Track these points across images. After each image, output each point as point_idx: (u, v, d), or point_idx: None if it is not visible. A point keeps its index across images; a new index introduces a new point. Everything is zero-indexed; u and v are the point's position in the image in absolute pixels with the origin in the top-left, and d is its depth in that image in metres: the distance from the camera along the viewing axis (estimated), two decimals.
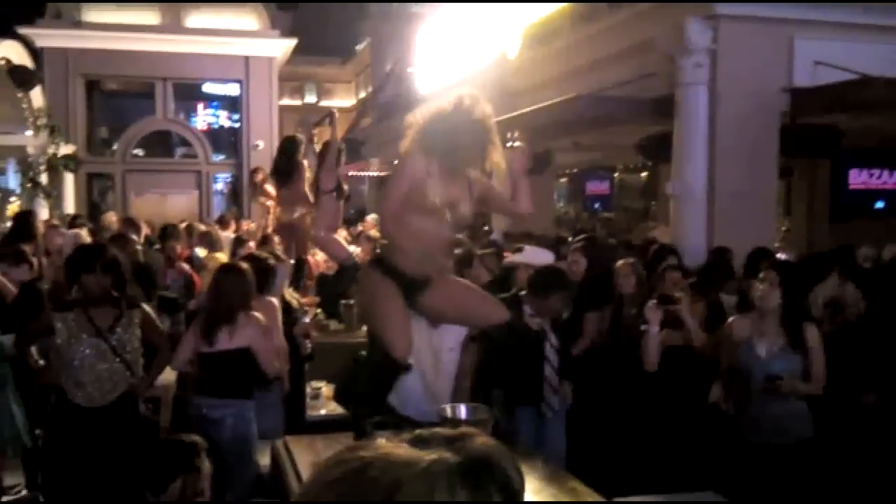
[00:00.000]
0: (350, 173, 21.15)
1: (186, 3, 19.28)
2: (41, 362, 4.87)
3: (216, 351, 4.63)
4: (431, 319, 3.86)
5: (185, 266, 7.92)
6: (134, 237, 7.70)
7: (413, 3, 21.74)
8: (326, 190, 7.77)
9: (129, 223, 8.95)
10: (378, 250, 3.82)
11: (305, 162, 8.48)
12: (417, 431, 0.97)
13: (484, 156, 3.49)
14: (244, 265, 4.93)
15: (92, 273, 4.18)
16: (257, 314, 4.77)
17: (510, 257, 6.10)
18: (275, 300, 5.39)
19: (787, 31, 9.07)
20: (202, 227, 9.58)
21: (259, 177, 10.54)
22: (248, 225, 12.94)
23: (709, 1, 8.66)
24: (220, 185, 21.01)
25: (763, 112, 8.99)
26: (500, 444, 0.98)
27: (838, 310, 5.35)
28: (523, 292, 4.93)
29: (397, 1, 24.91)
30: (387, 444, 0.94)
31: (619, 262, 5.58)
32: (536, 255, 5.67)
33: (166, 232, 8.35)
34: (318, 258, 8.58)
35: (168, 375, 6.34)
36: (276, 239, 7.87)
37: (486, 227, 12.65)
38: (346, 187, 8.20)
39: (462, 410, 3.45)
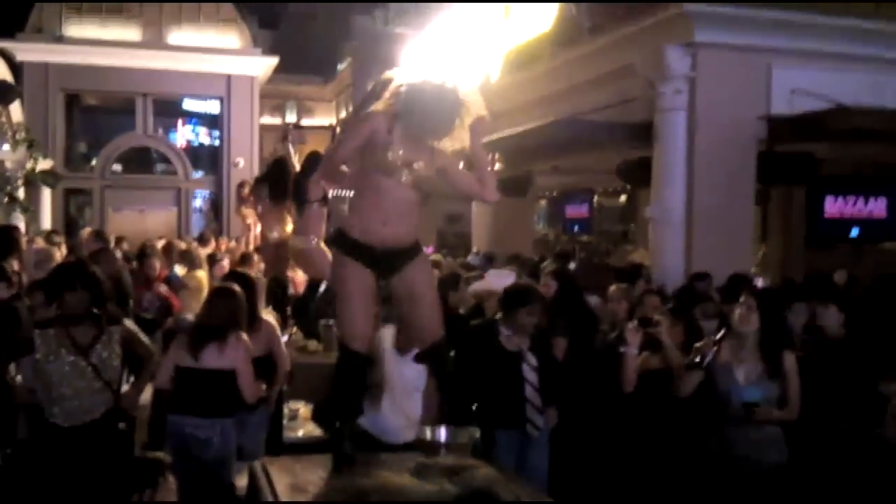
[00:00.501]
0: (330, 193, 21.16)
1: (169, 1, 19.25)
2: (18, 378, 4.80)
3: (201, 368, 4.60)
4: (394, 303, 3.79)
5: (163, 289, 7.85)
6: (116, 253, 7.63)
7: (396, 25, 21.88)
8: (314, 199, 7.76)
9: (98, 236, 8.81)
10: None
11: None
12: (419, 461, 0.98)
13: (450, 129, 3.46)
14: (236, 287, 4.90)
15: (73, 291, 4.15)
16: (246, 338, 4.76)
17: (473, 286, 6.11)
18: (272, 319, 5.40)
19: (764, 60, 9.20)
20: (182, 245, 9.52)
21: (245, 191, 10.52)
22: (227, 244, 12.88)
23: None
24: (199, 203, 20.93)
25: (741, 139, 9.11)
26: (502, 477, 0.98)
27: (816, 334, 5.41)
28: (498, 315, 4.93)
29: (382, 1, 25.00)
30: (387, 473, 0.94)
31: (612, 287, 5.62)
32: (499, 280, 5.67)
33: (144, 251, 8.27)
34: (298, 277, 8.54)
35: (144, 394, 6.31)
36: (257, 257, 7.84)
37: (476, 250, 12.67)
38: (329, 195, 8.22)
39: (442, 433, 3.44)
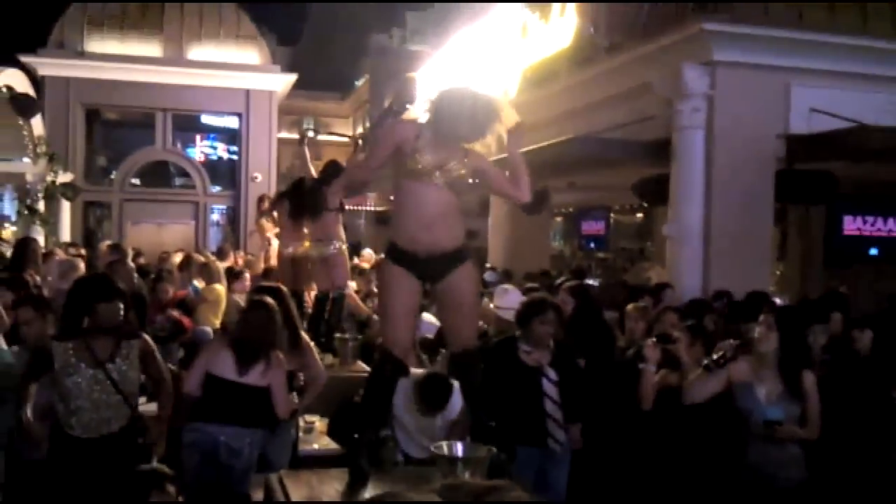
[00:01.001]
0: (346, 207, 21.25)
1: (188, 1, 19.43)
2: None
3: (243, 383, 4.65)
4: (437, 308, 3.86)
5: (175, 313, 7.87)
6: (130, 264, 7.68)
7: (413, 42, 21.99)
8: (332, 208, 7.81)
9: (115, 249, 8.85)
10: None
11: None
12: (447, 481, 0.97)
13: (481, 133, 3.50)
14: (271, 301, 4.94)
15: (108, 302, 4.16)
16: (281, 355, 4.82)
17: (488, 301, 6.12)
18: (307, 337, 5.46)
19: (783, 79, 9.20)
20: (201, 259, 9.57)
21: (265, 205, 10.58)
22: (244, 258, 12.93)
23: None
24: (216, 217, 21.03)
25: (759, 157, 9.08)
26: (531, 500, 0.97)
27: (840, 352, 5.36)
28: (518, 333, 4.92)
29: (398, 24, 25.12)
30: (415, 495, 0.94)
31: (630, 306, 5.60)
32: (513, 297, 5.67)
33: (159, 275, 8.29)
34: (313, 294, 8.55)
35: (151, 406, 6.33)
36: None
37: (489, 265, 12.65)
38: (345, 205, 8.30)
39: (458, 448, 3.43)
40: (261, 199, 11.25)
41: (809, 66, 9.21)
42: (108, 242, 11.67)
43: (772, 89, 9.19)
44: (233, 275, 8.73)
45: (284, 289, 5.58)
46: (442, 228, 3.49)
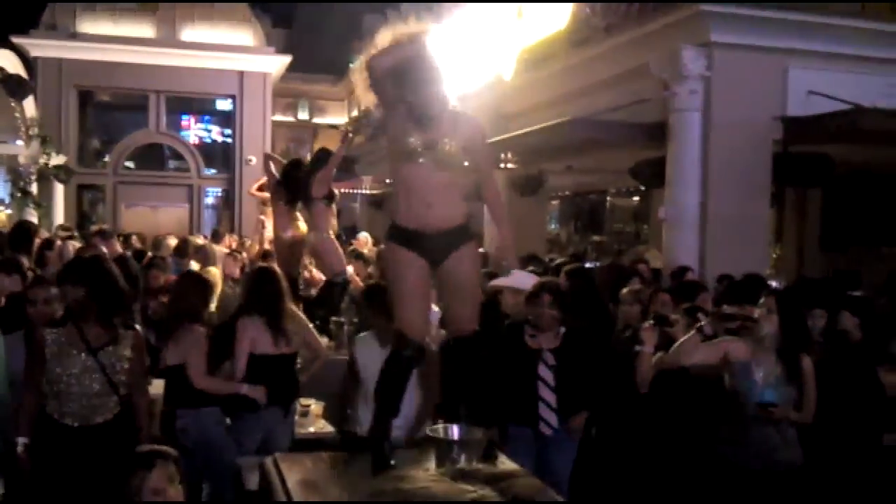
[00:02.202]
0: (342, 190, 21.18)
1: (182, 2, 19.30)
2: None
3: (280, 353, 4.89)
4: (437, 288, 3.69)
5: (166, 299, 7.82)
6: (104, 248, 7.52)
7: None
8: (317, 196, 7.79)
9: (102, 234, 8.76)
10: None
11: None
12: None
13: (441, 90, 3.45)
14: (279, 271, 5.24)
15: (73, 286, 4.11)
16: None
17: (495, 281, 6.07)
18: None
19: (781, 61, 9.16)
20: (197, 242, 9.51)
21: (254, 188, 10.52)
22: (238, 241, 12.89)
23: None
24: (210, 200, 20.97)
25: (756, 140, 9.06)
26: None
27: (839, 338, 5.34)
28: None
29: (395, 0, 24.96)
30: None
31: (624, 290, 5.59)
32: (523, 280, 5.61)
33: (152, 261, 8.22)
34: (315, 276, 8.53)
35: (155, 388, 6.30)
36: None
37: (482, 250, 12.60)
38: (336, 193, 8.28)
39: (454, 431, 3.41)
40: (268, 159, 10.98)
41: (807, 48, 9.17)
42: (95, 227, 11.54)
43: (769, 71, 9.15)
44: (233, 259, 8.71)
45: (278, 269, 5.56)
46: (440, 207, 3.41)
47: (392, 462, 3.29)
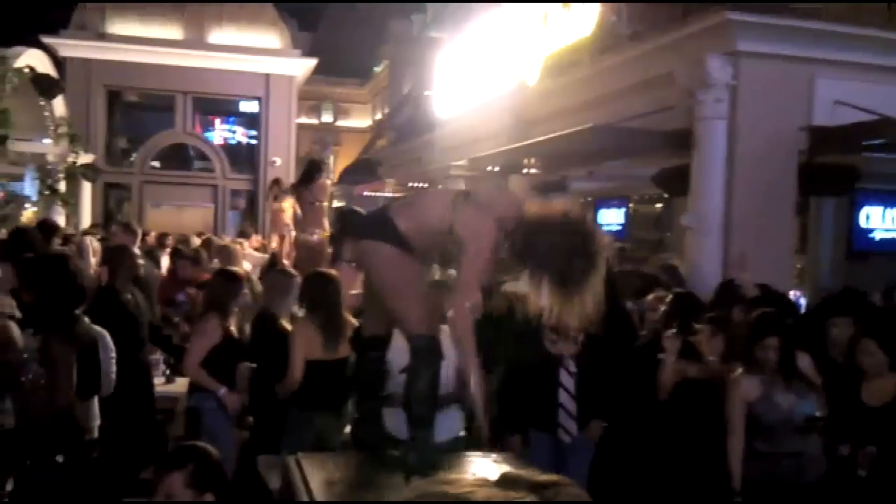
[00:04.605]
0: (365, 193, 21.27)
1: (207, 2, 19.46)
2: None
3: (333, 359, 4.83)
4: None
5: (192, 290, 7.92)
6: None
7: (432, 28, 21.90)
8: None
9: (127, 229, 8.84)
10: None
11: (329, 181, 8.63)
12: (504, 472, 0.96)
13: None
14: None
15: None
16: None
17: (508, 286, 6.06)
18: None
19: (808, 70, 9.10)
20: (220, 241, 9.60)
21: (277, 188, 10.63)
22: (261, 241, 12.99)
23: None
24: (235, 200, 21.14)
25: (781, 149, 9.01)
26: (587, 496, 0.96)
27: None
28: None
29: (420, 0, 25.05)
30: (470, 482, 0.93)
31: (650, 297, 5.59)
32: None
33: (180, 252, 8.31)
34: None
35: (178, 387, 6.39)
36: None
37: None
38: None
39: None
40: (274, 182, 11.26)
41: (834, 58, 9.10)
42: (116, 224, 11.65)
43: (796, 81, 9.09)
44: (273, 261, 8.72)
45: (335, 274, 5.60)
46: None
47: (431, 467, 3.25)
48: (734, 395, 4.27)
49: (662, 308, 5.33)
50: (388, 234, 3.38)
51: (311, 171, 8.11)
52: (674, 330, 4.71)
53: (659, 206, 15.44)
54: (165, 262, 9.27)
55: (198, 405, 5.09)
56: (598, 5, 11.14)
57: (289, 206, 9.90)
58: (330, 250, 7.73)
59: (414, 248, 3.35)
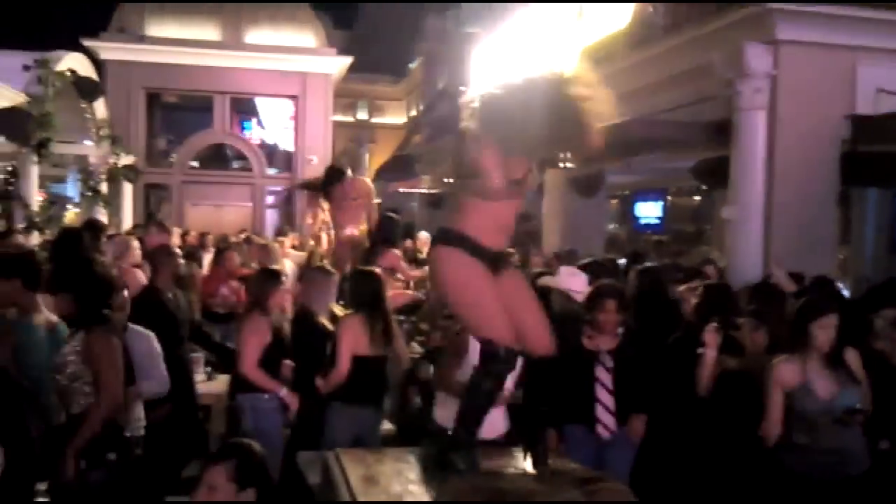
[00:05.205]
0: (400, 189, 21.31)
1: (247, 2, 19.62)
2: None
3: (377, 356, 4.99)
4: None
5: (234, 284, 8.05)
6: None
7: (468, 24, 21.88)
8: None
9: (161, 227, 8.96)
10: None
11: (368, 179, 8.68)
12: (553, 466, 0.96)
13: (550, 142, 3.16)
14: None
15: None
16: None
17: (544, 280, 6.04)
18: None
19: (849, 58, 8.94)
20: (260, 240, 9.71)
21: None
22: (298, 239, 13.07)
23: None
24: (271, 199, 21.32)
25: (823, 139, 8.86)
26: (630, 493, 0.96)
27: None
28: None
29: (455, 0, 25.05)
30: (514, 476, 0.93)
31: (682, 287, 5.54)
32: (572, 279, 5.56)
33: (228, 245, 8.47)
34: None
35: (219, 385, 6.45)
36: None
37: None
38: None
39: None
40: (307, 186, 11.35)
41: (876, 46, 8.93)
42: (151, 223, 11.79)
43: (837, 69, 8.93)
44: (312, 258, 8.81)
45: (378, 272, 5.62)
46: (510, 231, 3.44)
47: (471, 466, 3.18)
48: (772, 379, 4.18)
49: (694, 300, 5.26)
50: (457, 241, 3.30)
51: (330, 179, 8.21)
52: (715, 324, 4.65)
53: (697, 198, 15.29)
54: (206, 261, 9.39)
55: (247, 404, 5.12)
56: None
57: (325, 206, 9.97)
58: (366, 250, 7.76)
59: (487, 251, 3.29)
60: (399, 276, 8.69)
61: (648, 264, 6.84)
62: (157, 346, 4.86)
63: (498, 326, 3.27)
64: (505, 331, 3.26)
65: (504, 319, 3.28)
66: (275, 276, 5.55)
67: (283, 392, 5.11)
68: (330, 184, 8.08)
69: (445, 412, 4.27)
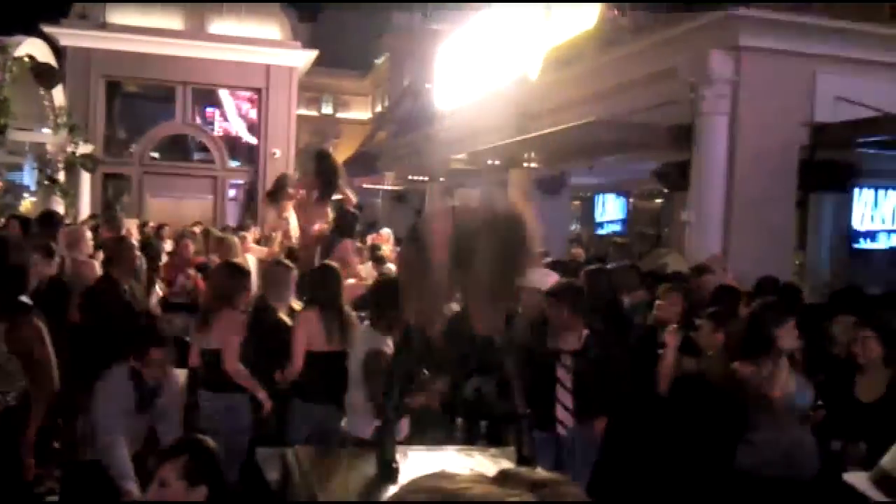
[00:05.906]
0: (364, 185, 21.22)
1: (211, 2, 19.37)
2: None
3: (333, 351, 4.85)
4: None
5: (192, 272, 7.97)
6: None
7: (434, 21, 21.86)
8: None
9: (111, 223, 8.86)
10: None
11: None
12: (502, 470, 0.95)
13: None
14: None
15: None
16: None
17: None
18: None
19: (809, 66, 9.09)
20: (218, 233, 9.59)
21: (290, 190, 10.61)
22: (260, 233, 12.94)
23: None
24: (233, 192, 21.09)
25: (783, 145, 9.00)
26: (585, 497, 0.95)
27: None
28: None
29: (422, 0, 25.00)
30: (467, 478, 0.92)
31: (661, 288, 5.58)
32: (543, 278, 5.57)
33: (183, 233, 8.40)
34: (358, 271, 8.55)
35: (179, 378, 6.37)
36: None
37: None
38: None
39: None
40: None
41: (836, 54, 9.10)
42: (100, 218, 11.56)
43: (797, 77, 9.09)
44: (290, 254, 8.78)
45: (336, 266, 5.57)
46: None
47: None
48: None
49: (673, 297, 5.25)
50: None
51: (276, 191, 8.31)
52: (675, 325, 4.70)
53: (659, 201, 15.44)
54: (165, 251, 9.27)
55: (221, 404, 4.96)
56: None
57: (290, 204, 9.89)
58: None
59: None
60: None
61: (597, 266, 6.86)
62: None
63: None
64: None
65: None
66: (243, 274, 5.44)
67: (262, 395, 5.02)
68: (277, 197, 8.17)
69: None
